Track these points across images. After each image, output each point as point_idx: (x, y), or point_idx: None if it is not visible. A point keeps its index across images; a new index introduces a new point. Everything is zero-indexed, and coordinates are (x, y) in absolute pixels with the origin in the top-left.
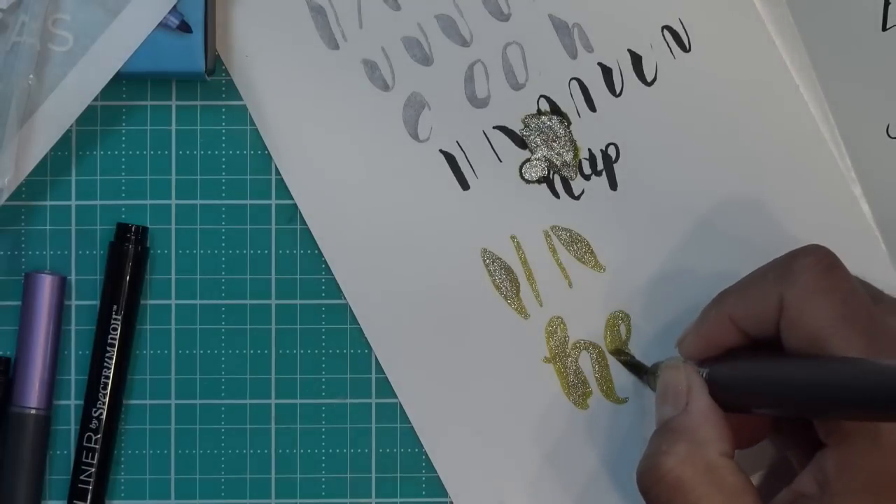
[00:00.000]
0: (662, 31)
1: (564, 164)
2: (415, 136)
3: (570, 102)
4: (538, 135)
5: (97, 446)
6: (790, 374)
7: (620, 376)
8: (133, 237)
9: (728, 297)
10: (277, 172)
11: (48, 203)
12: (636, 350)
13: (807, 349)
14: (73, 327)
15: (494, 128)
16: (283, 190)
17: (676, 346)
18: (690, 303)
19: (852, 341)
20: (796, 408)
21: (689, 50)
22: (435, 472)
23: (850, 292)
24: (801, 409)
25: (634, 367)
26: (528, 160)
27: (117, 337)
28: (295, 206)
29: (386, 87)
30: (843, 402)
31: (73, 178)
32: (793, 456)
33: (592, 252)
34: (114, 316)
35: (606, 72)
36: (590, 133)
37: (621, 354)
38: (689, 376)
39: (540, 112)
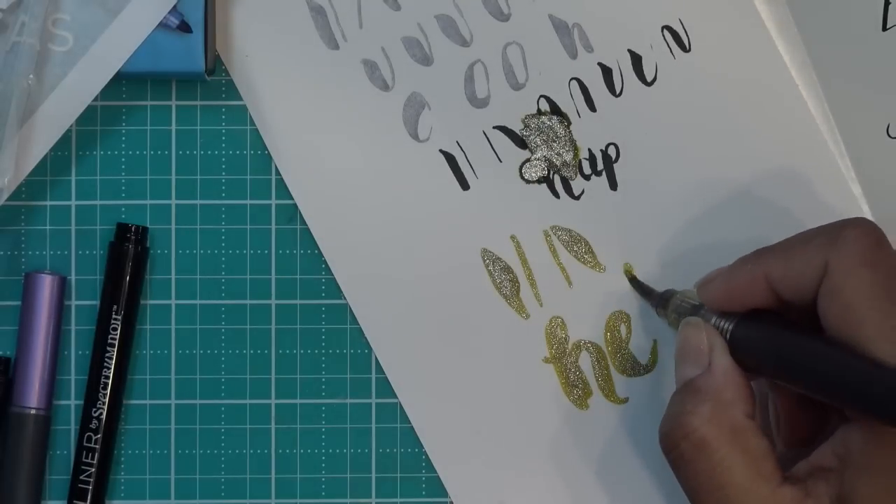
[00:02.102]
0: (662, 31)
1: (564, 164)
2: (415, 136)
3: (570, 102)
4: (538, 135)
5: (97, 446)
6: (817, 358)
7: (620, 376)
8: (133, 237)
9: (767, 256)
10: (277, 172)
11: (48, 203)
12: (636, 350)
13: (843, 318)
14: (73, 327)
15: (494, 128)
16: (283, 190)
17: (697, 287)
18: None
19: (891, 315)
20: (819, 395)
21: (689, 50)
22: (435, 472)
23: (895, 269)
24: (823, 397)
25: (643, 289)
26: (528, 160)
27: (117, 337)
28: (295, 206)
29: (386, 87)
30: (863, 407)
31: (73, 178)
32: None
33: (592, 252)
34: (114, 316)
35: (606, 72)
36: (590, 133)
37: (632, 280)
38: (710, 336)
39: (540, 112)
